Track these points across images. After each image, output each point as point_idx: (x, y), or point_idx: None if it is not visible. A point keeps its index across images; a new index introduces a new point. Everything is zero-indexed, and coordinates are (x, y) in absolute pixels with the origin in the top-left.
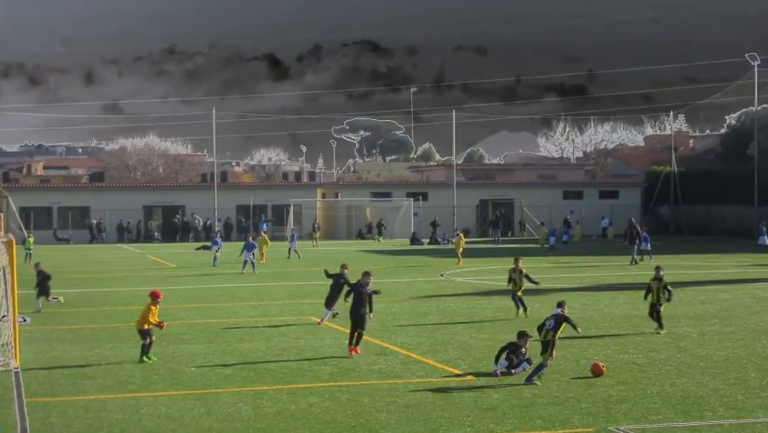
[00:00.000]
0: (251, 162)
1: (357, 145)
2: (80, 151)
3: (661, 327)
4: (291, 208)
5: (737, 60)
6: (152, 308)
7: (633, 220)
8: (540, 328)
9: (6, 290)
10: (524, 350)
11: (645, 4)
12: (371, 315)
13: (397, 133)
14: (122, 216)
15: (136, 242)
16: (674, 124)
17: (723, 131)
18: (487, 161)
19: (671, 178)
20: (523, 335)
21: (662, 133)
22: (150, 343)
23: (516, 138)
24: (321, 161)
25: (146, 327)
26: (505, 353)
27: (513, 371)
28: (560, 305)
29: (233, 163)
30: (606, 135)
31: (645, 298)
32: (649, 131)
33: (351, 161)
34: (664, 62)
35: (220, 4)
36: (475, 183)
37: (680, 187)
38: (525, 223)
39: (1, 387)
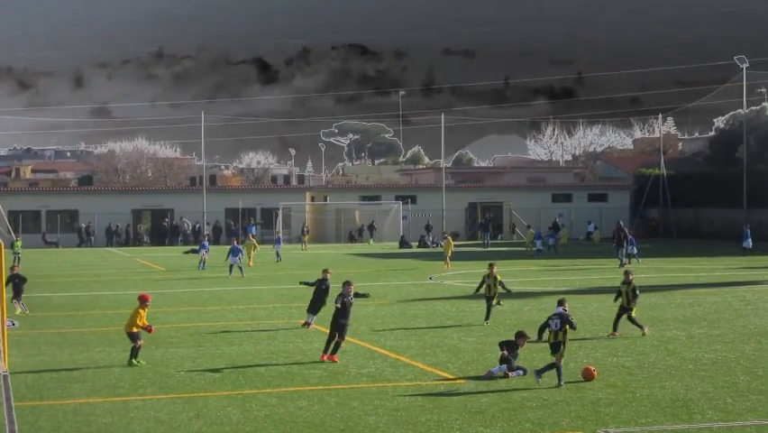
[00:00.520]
0: (240, 166)
1: (346, 148)
2: (69, 154)
3: (641, 327)
4: (280, 212)
5: (726, 63)
6: (141, 311)
7: (621, 223)
8: (542, 329)
9: None
10: (518, 351)
11: (634, 8)
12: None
13: (386, 136)
14: (110, 220)
15: (125, 245)
16: (663, 127)
17: (711, 134)
18: (476, 164)
19: (659, 181)
20: (521, 335)
21: (651, 135)
22: (139, 347)
23: (505, 141)
24: (310, 164)
25: (135, 330)
26: (503, 352)
27: (510, 374)
28: (561, 303)
29: (222, 167)
30: (594, 138)
31: (615, 300)
32: (638, 134)
33: (339, 164)
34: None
35: (208, 7)
36: (464, 186)
37: (669, 190)
38: (514, 226)
39: None
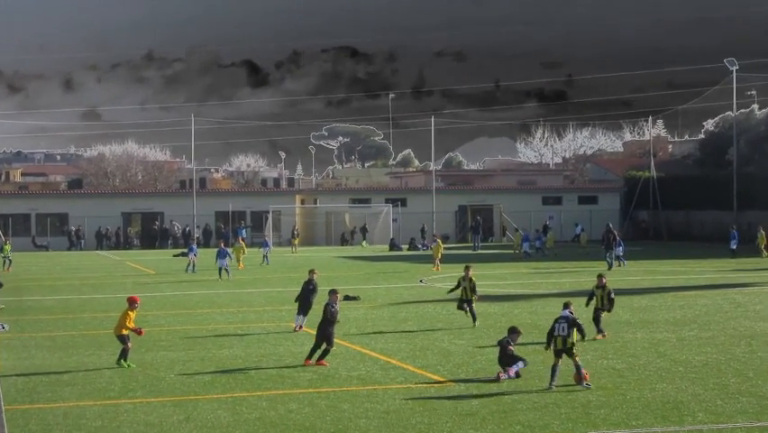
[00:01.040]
0: (230, 169)
1: (336, 151)
2: (59, 158)
3: (599, 331)
4: (270, 215)
5: (716, 66)
6: (129, 313)
7: (610, 225)
8: (550, 336)
9: None
10: (512, 347)
11: (624, 10)
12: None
13: (376, 139)
14: (100, 223)
15: (115, 249)
16: (653, 130)
17: (701, 136)
18: (465, 167)
19: (650, 183)
20: (514, 330)
21: (641, 138)
22: (128, 349)
23: (495, 144)
24: (300, 167)
25: (124, 332)
26: (501, 353)
27: (501, 376)
28: (566, 306)
29: (212, 170)
30: (585, 141)
31: (587, 305)
32: (628, 136)
33: (330, 167)
34: (643, 68)
35: (198, 10)
36: (454, 189)
37: (659, 192)
38: (505, 229)
39: None
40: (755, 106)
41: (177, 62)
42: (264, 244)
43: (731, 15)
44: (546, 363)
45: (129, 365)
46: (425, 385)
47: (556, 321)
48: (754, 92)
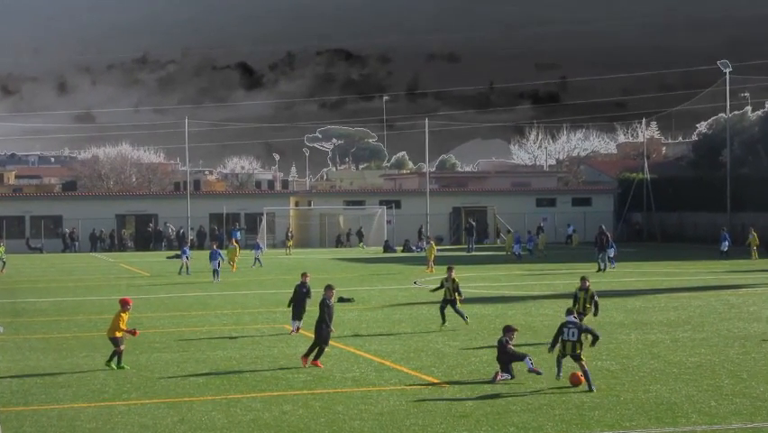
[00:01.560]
0: (224, 171)
1: (330, 153)
2: (53, 160)
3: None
4: (264, 217)
5: (709, 68)
6: (122, 315)
7: (603, 227)
8: (556, 340)
9: None
10: (511, 345)
11: (618, 12)
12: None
13: (370, 141)
14: (95, 225)
15: (109, 251)
16: (647, 132)
17: (695, 138)
18: (459, 169)
19: (643, 185)
20: (509, 329)
21: (635, 140)
22: (121, 351)
23: (489, 146)
24: (294, 169)
25: (117, 334)
26: (500, 352)
27: (498, 378)
28: (570, 312)
29: (206, 172)
30: (578, 143)
31: (573, 306)
32: (621, 138)
33: (324, 169)
34: (637, 70)
35: (193, 12)
36: (448, 191)
37: (652, 194)
38: (499, 230)
39: None
40: (749, 108)
41: (171, 64)
42: (256, 247)
43: (724, 17)
44: (540, 364)
45: (123, 367)
46: (419, 387)
47: (564, 326)
48: (747, 94)
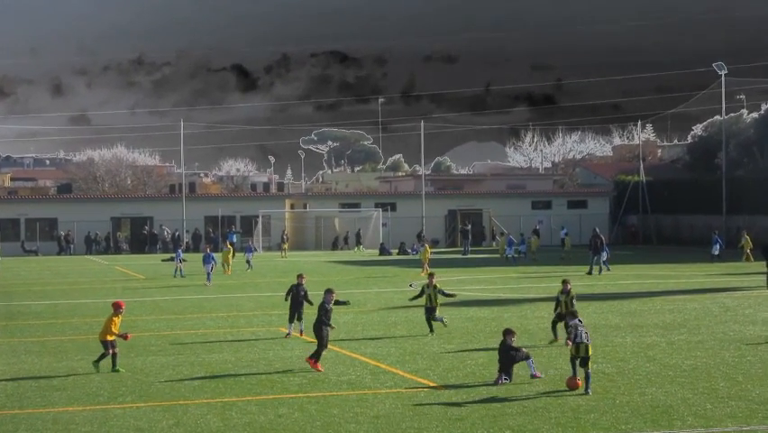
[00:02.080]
0: (220, 173)
1: (325, 156)
2: (48, 162)
3: (556, 336)
4: (260, 219)
5: (705, 70)
6: (115, 318)
7: (597, 230)
8: (567, 331)
9: None
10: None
11: (614, 15)
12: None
13: (366, 143)
14: (90, 228)
15: (104, 253)
16: (642, 134)
17: (691, 140)
18: (455, 172)
19: (639, 187)
20: (509, 332)
21: (631, 142)
22: (114, 354)
23: (484, 148)
24: (289, 171)
25: (109, 337)
26: (503, 354)
27: (500, 381)
28: (574, 315)
29: (202, 174)
30: (574, 145)
31: (555, 311)
32: (617, 140)
33: (319, 171)
34: (632, 72)
35: (188, 14)
36: (444, 193)
37: (648, 196)
38: (495, 233)
39: None
40: (744, 111)
41: (166, 66)
42: (247, 250)
43: (719, 19)
44: (536, 367)
45: (118, 370)
46: (415, 390)
47: (576, 327)
48: (742, 96)
